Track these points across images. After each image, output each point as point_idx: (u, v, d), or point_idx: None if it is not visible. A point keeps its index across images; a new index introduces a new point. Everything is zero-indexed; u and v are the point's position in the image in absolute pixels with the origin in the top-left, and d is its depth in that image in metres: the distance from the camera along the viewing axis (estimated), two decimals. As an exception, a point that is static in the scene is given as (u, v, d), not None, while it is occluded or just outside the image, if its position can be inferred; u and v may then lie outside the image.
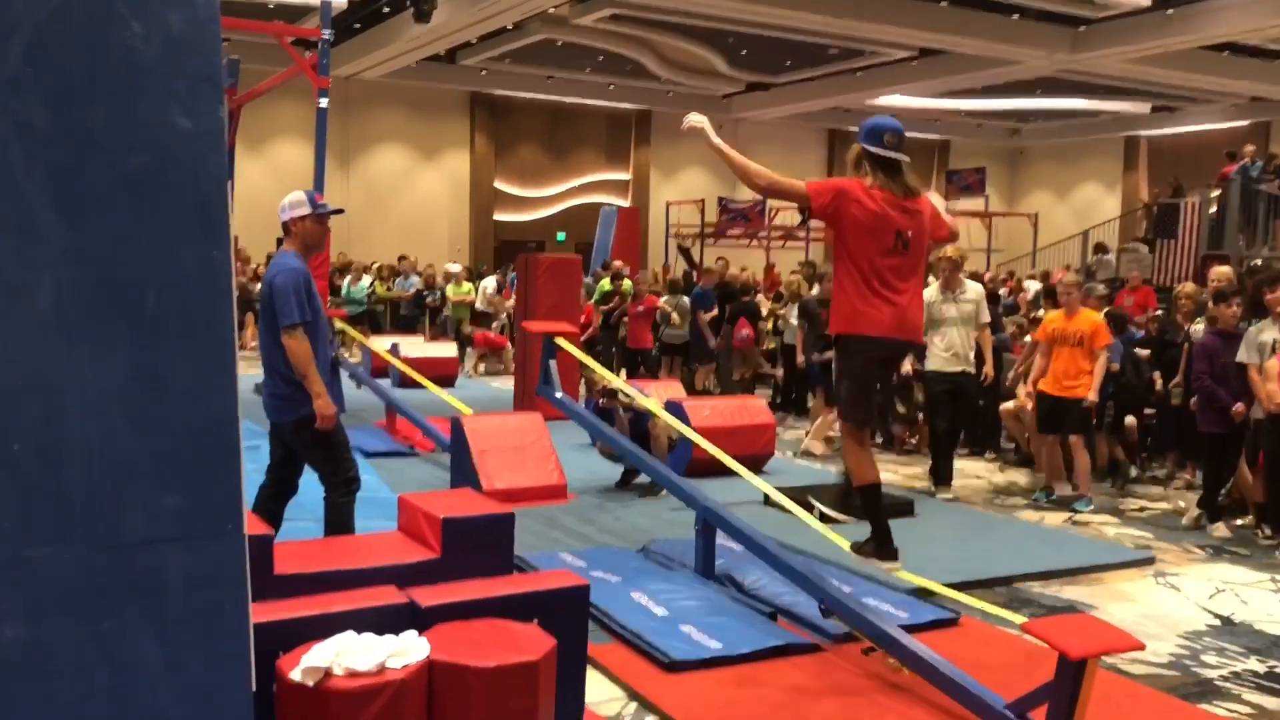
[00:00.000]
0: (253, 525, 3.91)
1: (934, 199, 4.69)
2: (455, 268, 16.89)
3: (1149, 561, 6.13)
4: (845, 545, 5.07)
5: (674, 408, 7.90)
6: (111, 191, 2.36)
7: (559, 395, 6.51)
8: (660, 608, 4.64)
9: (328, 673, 3.01)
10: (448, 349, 13.77)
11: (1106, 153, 29.91)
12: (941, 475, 7.80)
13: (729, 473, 7.60)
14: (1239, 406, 6.71)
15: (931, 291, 7.61)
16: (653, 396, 8.40)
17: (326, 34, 8.67)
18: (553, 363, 6.58)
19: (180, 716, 2.37)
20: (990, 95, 25.32)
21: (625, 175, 27.54)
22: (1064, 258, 23.73)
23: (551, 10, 18.65)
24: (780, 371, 11.99)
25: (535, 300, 10.20)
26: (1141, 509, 7.61)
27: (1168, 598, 5.53)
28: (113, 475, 2.34)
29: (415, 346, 13.55)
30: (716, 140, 4.54)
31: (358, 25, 20.77)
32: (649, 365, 11.63)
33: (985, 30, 18.89)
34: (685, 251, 21.11)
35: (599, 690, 4.03)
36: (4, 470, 2.23)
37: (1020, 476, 8.51)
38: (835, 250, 4.54)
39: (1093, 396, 7.33)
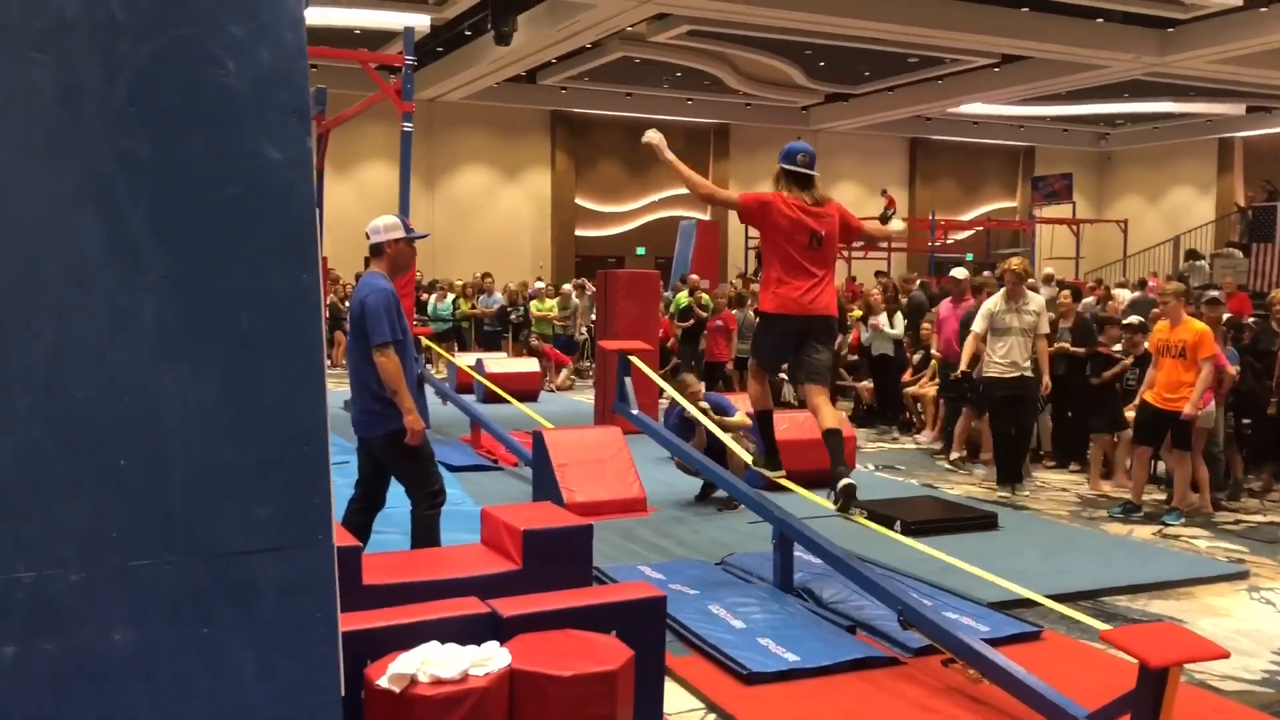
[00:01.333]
0: (342, 537, 4.04)
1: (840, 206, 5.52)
2: (540, 284, 17.12)
3: (1243, 576, 5.97)
4: (933, 553, 5.00)
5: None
6: (208, 219, 2.50)
7: (635, 412, 6.58)
8: (738, 620, 4.68)
9: (413, 680, 3.12)
10: (530, 364, 13.95)
11: (1199, 155, 29.14)
12: (1009, 475, 8.12)
13: (806, 484, 7.63)
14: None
15: (996, 301, 7.95)
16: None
17: (409, 59, 8.88)
18: (628, 380, 6.67)
19: (273, 717, 2.49)
20: (1076, 100, 24.85)
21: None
22: (1155, 264, 23.20)
23: (629, 29, 18.84)
24: (867, 384, 11.90)
25: (614, 316, 10.29)
26: (1236, 521, 7.41)
27: (1262, 613, 5.39)
28: (210, 488, 2.47)
29: (498, 362, 13.76)
30: (669, 155, 5.42)
31: (440, 49, 21.22)
32: (726, 379, 11.66)
33: (1068, 35, 18.57)
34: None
35: (677, 701, 4.08)
36: (113, 485, 2.38)
37: (1109, 489, 8.35)
38: (763, 249, 5.59)
39: (1189, 410, 7.11)
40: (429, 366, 15.29)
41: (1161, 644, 3.43)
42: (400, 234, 5.04)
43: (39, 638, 2.30)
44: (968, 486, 8.44)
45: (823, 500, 5.87)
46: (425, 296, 17.13)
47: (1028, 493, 8.19)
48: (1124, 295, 14.86)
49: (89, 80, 2.41)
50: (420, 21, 18.76)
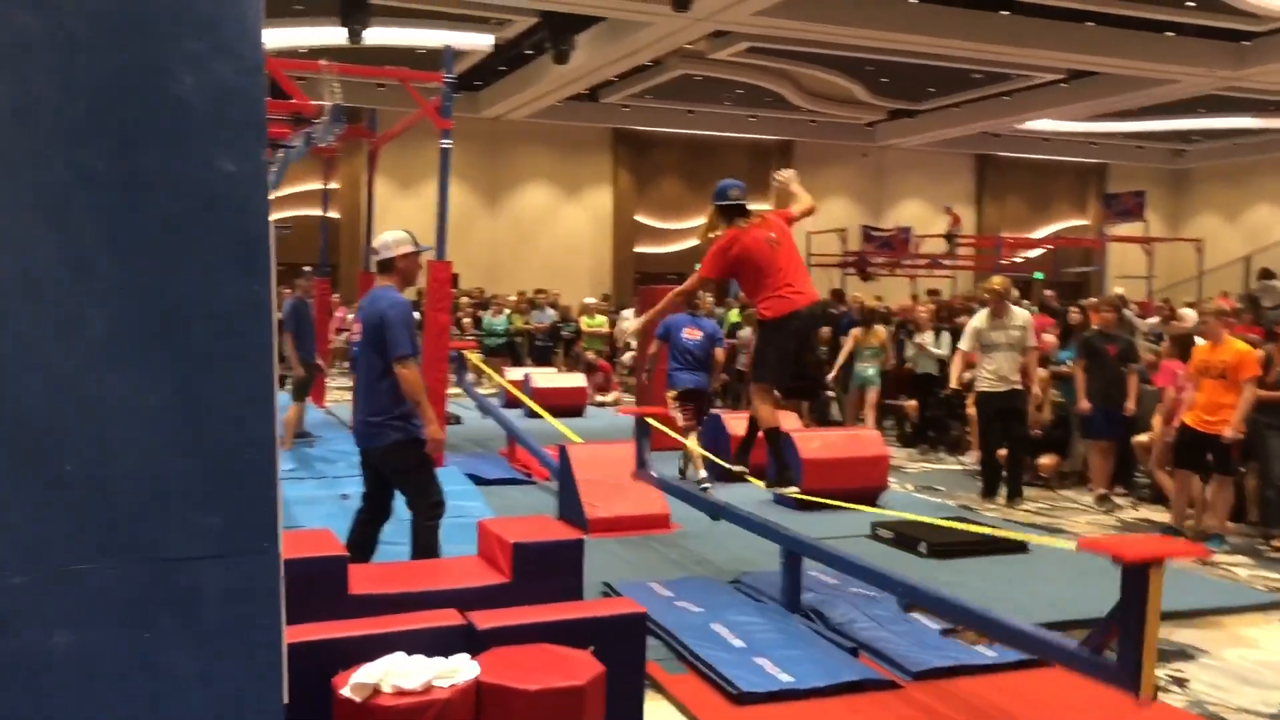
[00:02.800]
0: (329, 547, 4.09)
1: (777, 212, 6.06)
2: (590, 300, 17.22)
3: (1278, 606, 5.75)
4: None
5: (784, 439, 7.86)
6: (161, 231, 2.55)
7: (654, 475, 6.68)
8: (738, 639, 4.62)
9: (376, 689, 3.13)
10: (577, 379, 14.00)
11: (1281, 172, 28.30)
12: (992, 488, 8.44)
13: (840, 505, 7.54)
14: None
15: (980, 319, 8.25)
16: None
17: (448, 78, 8.98)
18: (646, 442, 6.76)
19: (214, 724, 2.51)
20: (1149, 116, 24.28)
21: (766, 205, 27.48)
22: (1229, 284, 22.53)
23: (689, 46, 18.86)
24: (912, 403, 11.72)
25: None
26: (1287, 550, 7.15)
27: (1296, 645, 5.18)
28: (156, 494, 2.50)
29: (547, 377, 13.83)
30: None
31: (503, 68, 21.45)
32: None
33: (1138, 50, 18.17)
34: (860, 268, 20.87)
35: (662, 718, 4.04)
36: (57, 489, 2.43)
37: (1153, 513, 8.11)
38: (744, 284, 5.90)
39: (1229, 433, 6.91)
40: (481, 381, 15.46)
41: (1139, 546, 3.63)
42: (410, 248, 5.12)
43: (-20, 638, 2.35)
44: (1005, 510, 8.26)
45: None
46: (480, 312, 17.32)
47: (1030, 509, 8.08)
48: (1191, 315, 14.45)
49: (45, 96, 2.46)
50: (484, 41, 19.01)
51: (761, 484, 6.21)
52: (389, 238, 5.15)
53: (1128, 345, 8.37)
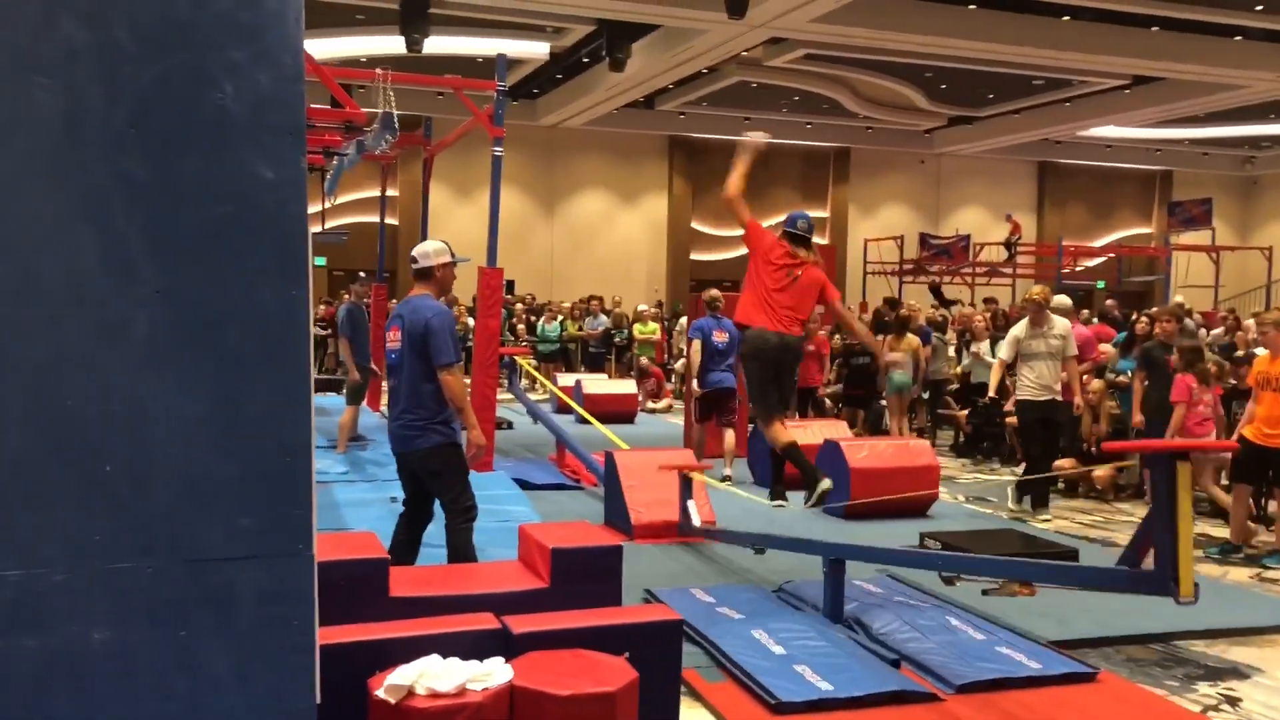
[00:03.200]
0: (371, 549, 4.13)
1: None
2: (643, 308, 17.25)
3: (1341, 624, 5.58)
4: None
5: (831, 448, 7.81)
6: (201, 236, 2.60)
7: (696, 524, 6.64)
8: (778, 647, 4.59)
9: (410, 691, 3.16)
10: (628, 385, 14.02)
11: (1355, 179, 27.56)
12: (1036, 500, 8.28)
13: (888, 515, 7.47)
14: None
15: (1021, 328, 8.24)
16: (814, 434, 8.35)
17: (500, 86, 9.05)
18: (691, 504, 6.74)
19: (247, 722, 2.55)
20: (1216, 122, 23.78)
21: (823, 213, 27.35)
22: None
23: (745, 53, 18.84)
24: (965, 412, 11.57)
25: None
26: (1354, 567, 6.94)
27: (1358, 666, 5.03)
28: (194, 496, 2.55)
29: (598, 383, 13.87)
30: (743, 161, 6.55)
31: (560, 75, 21.58)
32: (819, 404, 11.50)
33: (1204, 54, 17.81)
34: (936, 289, 20.62)
35: (703, 728, 4.02)
36: (97, 490, 2.48)
37: (1211, 528, 7.92)
38: (749, 276, 6.43)
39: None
40: (534, 387, 15.55)
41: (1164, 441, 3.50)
42: (448, 258, 5.24)
43: (22, 634, 2.41)
44: (1059, 521, 8.12)
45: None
46: (534, 318, 17.43)
47: (1084, 521, 7.93)
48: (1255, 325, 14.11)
49: (92, 103, 2.52)
50: (539, 50, 19.15)
51: (797, 505, 6.47)
52: (429, 247, 5.26)
53: (1193, 353, 8.10)
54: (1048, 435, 8.24)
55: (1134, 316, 10.38)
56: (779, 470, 7.07)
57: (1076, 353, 8.28)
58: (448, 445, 4.97)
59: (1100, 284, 25.82)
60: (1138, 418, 8.36)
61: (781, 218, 25.56)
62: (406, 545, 5.09)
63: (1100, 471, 8.88)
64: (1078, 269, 26.70)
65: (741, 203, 6.38)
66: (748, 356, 6.16)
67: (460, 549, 4.92)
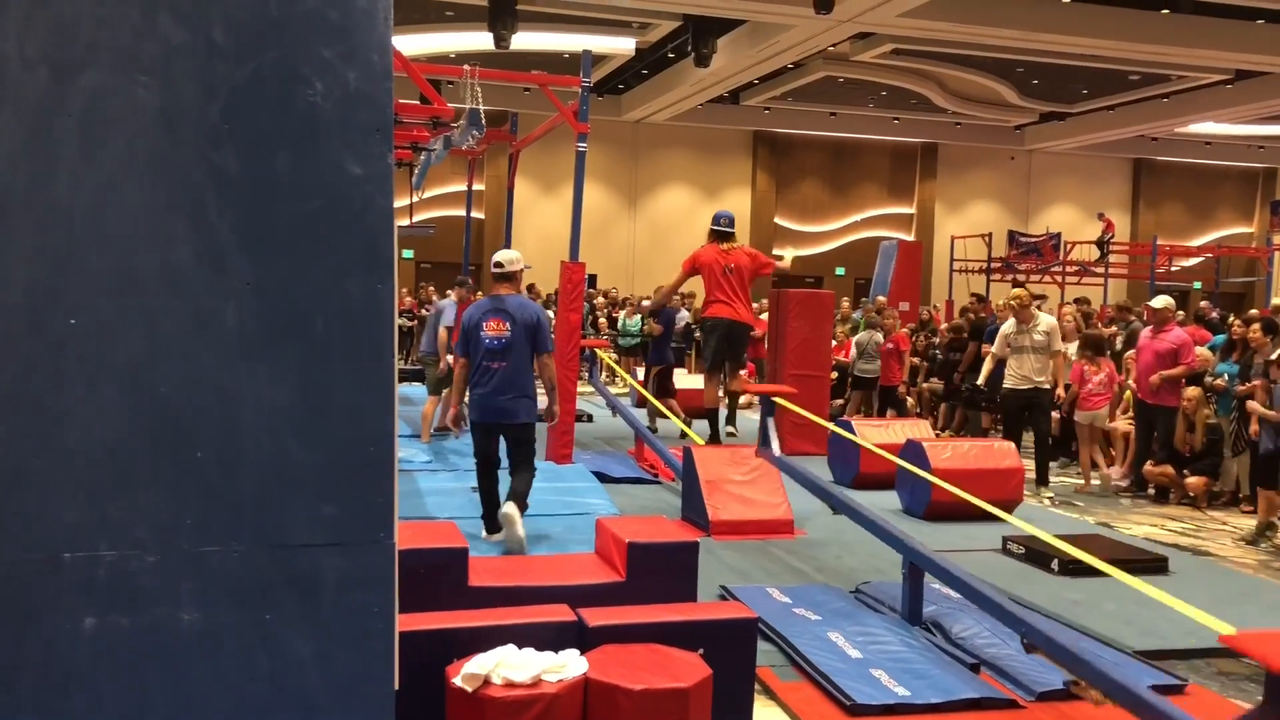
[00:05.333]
0: (452, 539, 4.19)
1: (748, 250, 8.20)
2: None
3: None
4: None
5: (913, 448, 7.71)
6: (290, 230, 2.66)
7: (776, 454, 6.94)
8: (855, 649, 4.55)
9: (486, 680, 3.20)
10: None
11: None
12: (1039, 479, 9.07)
13: (970, 517, 7.34)
14: None
15: (1009, 325, 9.26)
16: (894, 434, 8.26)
17: (585, 82, 9.09)
18: (770, 420, 7.11)
19: (327, 704, 2.61)
20: (1324, 118, 22.94)
21: (909, 209, 27.00)
22: None
23: (831, 48, 18.66)
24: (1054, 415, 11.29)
25: (785, 335, 10.19)
26: None
27: None
28: (280, 483, 2.62)
29: (678, 377, 13.82)
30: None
31: (645, 71, 21.61)
32: (898, 403, 11.34)
33: (1312, 48, 17.19)
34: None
35: (777, 727, 4.01)
36: (188, 475, 2.56)
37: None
38: (704, 282, 8.03)
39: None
40: (615, 380, 15.60)
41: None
42: (523, 265, 6.35)
43: (116, 612, 2.50)
44: (1148, 528, 7.91)
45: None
46: (616, 312, 17.47)
47: (1175, 529, 7.68)
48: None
49: (188, 100, 2.59)
50: (625, 45, 19.21)
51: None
52: (512, 254, 6.36)
53: None
54: (1035, 419, 9.15)
55: (1230, 319, 10.07)
56: (716, 426, 8.90)
57: (1062, 347, 9.18)
58: (534, 420, 6.14)
59: (1197, 285, 25.09)
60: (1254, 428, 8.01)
61: (867, 214, 25.60)
62: (490, 492, 6.28)
63: (1192, 480, 8.63)
64: (1173, 269, 25.97)
65: (678, 281, 8.67)
66: (707, 333, 8.10)
67: (523, 494, 6.00)
